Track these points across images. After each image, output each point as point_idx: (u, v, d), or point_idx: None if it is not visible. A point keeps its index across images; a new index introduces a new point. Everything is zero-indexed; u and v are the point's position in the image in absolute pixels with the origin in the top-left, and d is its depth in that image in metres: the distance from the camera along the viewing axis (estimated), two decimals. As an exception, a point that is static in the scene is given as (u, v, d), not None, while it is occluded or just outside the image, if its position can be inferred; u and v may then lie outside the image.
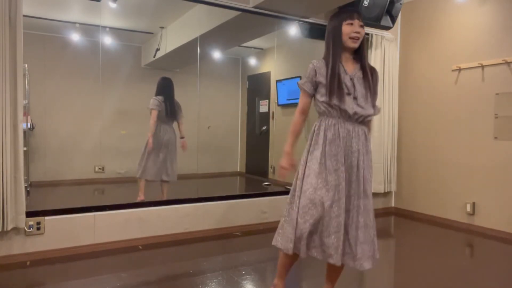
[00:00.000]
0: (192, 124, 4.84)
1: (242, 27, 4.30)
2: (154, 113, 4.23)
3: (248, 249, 3.45)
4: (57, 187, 5.14)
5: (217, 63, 6.15)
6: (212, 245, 3.46)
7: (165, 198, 4.20)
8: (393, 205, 5.00)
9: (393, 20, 4.39)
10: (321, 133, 2.00)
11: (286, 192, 4.31)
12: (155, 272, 2.79)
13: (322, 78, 1.99)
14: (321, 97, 2.01)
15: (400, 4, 4.32)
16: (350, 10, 2.03)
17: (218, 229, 3.78)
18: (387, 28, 4.46)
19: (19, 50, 2.81)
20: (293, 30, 4.43)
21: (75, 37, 5.23)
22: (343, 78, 1.99)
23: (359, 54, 2.05)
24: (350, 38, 1.98)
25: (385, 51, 4.67)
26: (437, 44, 4.51)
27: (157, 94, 4.33)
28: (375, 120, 4.60)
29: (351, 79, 2.00)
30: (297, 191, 2.02)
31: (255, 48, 6.24)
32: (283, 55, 5.65)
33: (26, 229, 2.94)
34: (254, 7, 3.77)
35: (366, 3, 4.03)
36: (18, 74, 2.80)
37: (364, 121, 2.03)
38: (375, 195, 4.23)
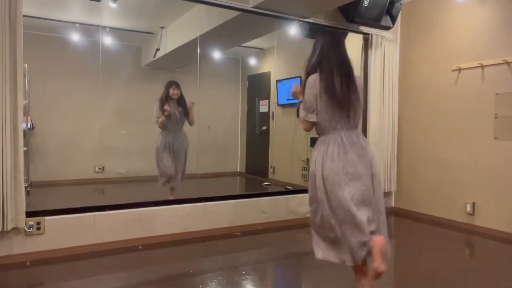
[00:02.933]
0: (192, 124, 4.83)
1: (242, 27, 4.30)
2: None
3: (248, 249, 3.45)
4: (57, 187, 5.14)
5: (217, 63, 6.15)
6: (212, 245, 3.46)
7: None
8: (393, 205, 5.00)
9: (393, 20, 4.40)
10: None
11: (286, 192, 4.36)
12: (155, 272, 2.79)
13: None
14: None
15: (400, 4, 4.33)
16: None
17: (218, 229, 3.78)
18: (387, 28, 4.47)
19: (19, 50, 2.81)
20: (293, 30, 4.43)
21: (75, 37, 5.23)
22: None
23: None
24: None
25: (385, 51, 4.66)
26: (437, 44, 4.51)
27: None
28: (375, 121, 4.61)
29: None
30: None
31: (255, 48, 6.23)
32: (283, 55, 5.65)
33: (26, 229, 2.94)
34: (254, 7, 3.77)
35: (366, 3, 4.04)
36: (18, 74, 2.80)
37: None
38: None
